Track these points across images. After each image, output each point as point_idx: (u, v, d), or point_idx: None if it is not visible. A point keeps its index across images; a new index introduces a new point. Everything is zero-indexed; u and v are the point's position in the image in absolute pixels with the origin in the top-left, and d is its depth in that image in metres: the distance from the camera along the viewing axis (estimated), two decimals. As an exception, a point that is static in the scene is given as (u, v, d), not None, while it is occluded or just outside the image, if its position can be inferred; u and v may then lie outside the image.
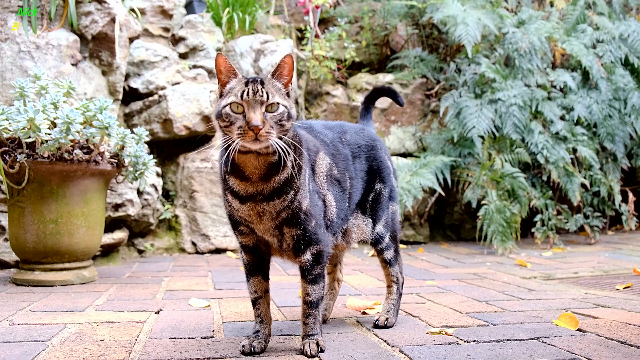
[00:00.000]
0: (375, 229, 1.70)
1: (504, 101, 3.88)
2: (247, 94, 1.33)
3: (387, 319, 1.69)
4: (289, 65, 1.40)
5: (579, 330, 1.62)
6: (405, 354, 1.40)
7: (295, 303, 2.06)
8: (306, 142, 1.49)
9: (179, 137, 3.65)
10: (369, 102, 1.98)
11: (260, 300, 1.51)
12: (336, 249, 1.74)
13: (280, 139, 1.33)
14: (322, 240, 1.45)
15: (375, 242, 1.71)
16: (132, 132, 2.72)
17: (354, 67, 4.85)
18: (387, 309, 1.73)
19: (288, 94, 1.41)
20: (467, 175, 3.86)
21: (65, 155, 2.35)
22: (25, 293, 2.24)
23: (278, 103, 1.34)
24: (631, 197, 4.22)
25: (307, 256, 1.43)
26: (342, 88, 4.55)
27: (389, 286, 1.76)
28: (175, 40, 4.02)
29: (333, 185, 1.56)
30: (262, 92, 1.34)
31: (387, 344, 1.50)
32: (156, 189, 3.43)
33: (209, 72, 3.92)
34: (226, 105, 1.35)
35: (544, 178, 3.92)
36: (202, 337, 1.58)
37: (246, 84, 1.37)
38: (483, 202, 3.61)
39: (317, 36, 4.59)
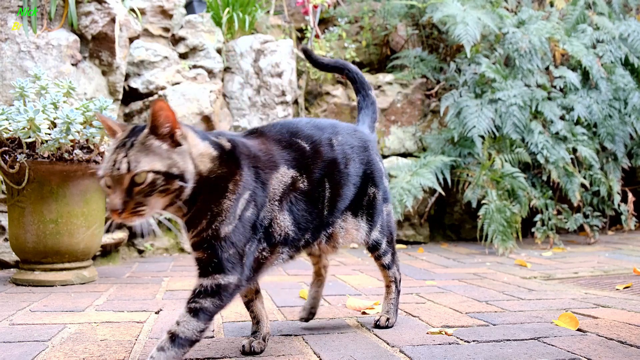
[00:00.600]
0: (371, 235, 1.62)
1: (504, 101, 3.88)
2: (107, 167, 1.16)
3: (387, 319, 1.69)
4: (163, 113, 1.18)
5: (579, 330, 1.62)
6: (405, 354, 1.40)
7: (296, 303, 2.06)
8: (253, 163, 1.32)
9: (179, 137, 3.65)
10: (357, 90, 1.87)
11: (252, 302, 1.50)
12: (319, 253, 1.68)
13: (172, 203, 1.19)
14: (235, 271, 1.25)
15: (373, 249, 1.66)
16: (132, 132, 2.71)
17: (354, 67, 4.84)
18: (387, 309, 1.72)
19: (176, 142, 1.20)
20: (467, 175, 3.86)
21: (65, 155, 2.35)
22: (25, 293, 2.24)
23: (147, 171, 1.13)
24: (630, 197, 4.22)
25: (206, 282, 1.24)
26: (342, 88, 4.55)
27: (387, 286, 1.74)
28: (175, 40, 4.02)
29: (296, 199, 1.39)
30: (122, 163, 1.14)
31: (387, 344, 1.50)
32: (156, 189, 3.43)
33: (209, 72, 3.92)
34: (100, 178, 1.19)
35: (544, 178, 3.92)
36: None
37: (116, 148, 1.18)
38: (483, 202, 3.61)
39: (317, 36, 4.59)
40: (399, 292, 1.76)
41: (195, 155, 1.23)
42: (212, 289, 1.22)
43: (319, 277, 1.79)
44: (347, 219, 1.58)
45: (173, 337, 1.19)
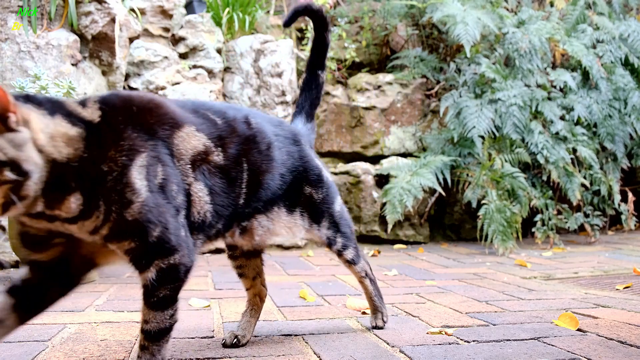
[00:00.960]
0: (320, 232, 1.50)
1: (504, 101, 3.89)
2: None
3: (381, 317, 1.66)
4: None
5: (579, 330, 1.62)
6: (405, 354, 1.40)
7: (295, 303, 2.06)
8: (141, 120, 1.13)
9: (179, 137, 3.65)
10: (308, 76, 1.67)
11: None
12: (240, 250, 1.51)
13: (10, 200, 0.97)
14: (176, 248, 1.11)
15: (329, 245, 1.55)
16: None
17: (354, 67, 4.85)
18: (374, 306, 1.66)
19: (9, 128, 0.96)
20: (467, 175, 3.86)
21: (65, 155, 2.34)
22: (25, 293, 2.24)
23: None
24: (631, 196, 4.22)
25: (151, 274, 1.10)
26: (342, 88, 4.55)
27: (360, 282, 1.64)
28: (175, 40, 4.02)
29: (211, 174, 1.22)
30: None
31: (387, 344, 1.50)
32: (156, 189, 3.43)
33: (209, 72, 3.92)
34: None
35: (544, 178, 3.92)
36: (202, 337, 1.58)
37: None
38: (483, 202, 3.61)
39: (317, 36, 4.58)
40: (374, 281, 1.67)
41: (44, 142, 1.01)
42: (160, 276, 1.10)
43: (252, 307, 1.59)
44: (275, 215, 1.40)
45: (149, 334, 1.13)
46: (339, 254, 1.57)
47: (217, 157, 1.24)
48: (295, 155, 1.45)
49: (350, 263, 1.59)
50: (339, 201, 1.58)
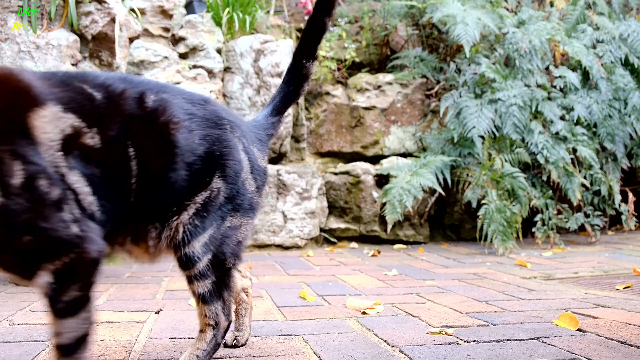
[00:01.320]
0: (190, 243, 1.14)
1: (504, 101, 3.89)
2: None
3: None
4: None
5: (579, 330, 1.62)
6: (405, 354, 1.40)
7: (295, 303, 2.06)
8: None
9: (179, 137, 3.65)
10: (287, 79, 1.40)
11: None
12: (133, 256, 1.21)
13: None
14: (68, 243, 0.94)
15: (185, 264, 1.15)
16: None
17: (354, 67, 4.85)
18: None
19: None
20: (467, 175, 3.86)
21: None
22: (25, 293, 2.24)
23: None
24: (631, 197, 4.23)
25: (46, 278, 0.94)
26: (342, 88, 4.55)
27: (201, 330, 1.22)
28: (175, 40, 4.02)
29: (87, 161, 1.00)
30: None
31: (387, 343, 1.50)
32: (156, 189, 3.43)
33: (209, 72, 3.92)
34: None
35: (544, 178, 3.92)
36: (202, 337, 1.57)
37: None
38: (483, 201, 3.61)
39: (317, 36, 4.58)
40: (216, 345, 1.22)
41: None
42: (59, 277, 0.95)
43: (240, 304, 1.45)
44: (181, 220, 1.14)
45: (65, 348, 0.98)
46: (190, 279, 1.18)
47: (92, 140, 1.01)
48: (211, 138, 1.16)
49: (199, 298, 1.20)
50: (242, 222, 1.23)
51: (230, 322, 1.24)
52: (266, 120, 1.39)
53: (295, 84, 1.39)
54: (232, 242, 1.20)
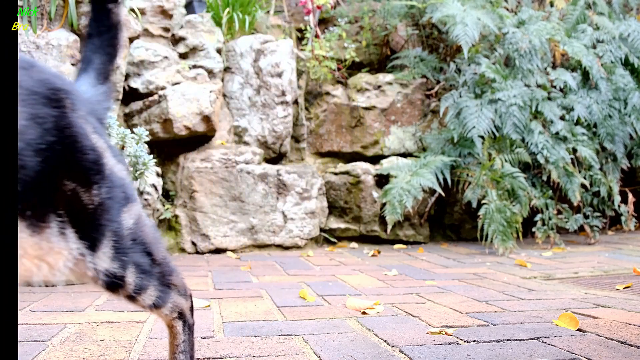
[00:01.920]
0: (96, 263, 0.89)
1: (504, 101, 3.89)
2: None
3: None
4: None
5: (579, 330, 1.62)
6: (405, 354, 1.40)
7: (295, 303, 2.06)
8: None
9: (179, 137, 3.65)
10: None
11: None
12: None
13: None
14: None
15: (112, 287, 0.94)
16: (132, 132, 2.72)
17: (354, 67, 4.85)
18: None
19: None
20: (467, 175, 3.86)
21: (65, 155, 2.34)
22: (25, 293, 2.24)
23: None
24: (630, 197, 4.23)
25: None
26: (342, 88, 4.55)
27: (169, 326, 1.08)
28: (175, 40, 4.02)
29: None
30: None
31: (387, 344, 1.50)
32: (156, 189, 3.43)
33: (209, 72, 3.93)
34: None
35: (544, 178, 3.92)
36: (202, 337, 1.58)
37: None
38: (483, 201, 3.61)
39: (317, 36, 4.59)
40: (190, 327, 1.09)
41: None
42: None
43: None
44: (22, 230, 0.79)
45: None
46: (131, 298, 0.98)
47: None
48: (49, 124, 0.80)
49: (153, 308, 1.03)
50: (136, 211, 0.97)
51: (191, 300, 1.10)
52: (95, 89, 1.08)
53: (108, 35, 1.12)
54: (146, 235, 0.99)
